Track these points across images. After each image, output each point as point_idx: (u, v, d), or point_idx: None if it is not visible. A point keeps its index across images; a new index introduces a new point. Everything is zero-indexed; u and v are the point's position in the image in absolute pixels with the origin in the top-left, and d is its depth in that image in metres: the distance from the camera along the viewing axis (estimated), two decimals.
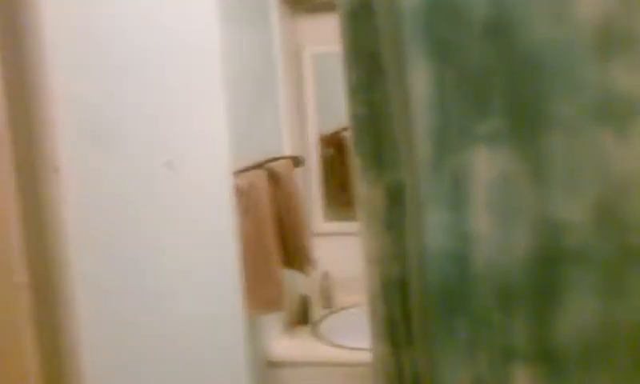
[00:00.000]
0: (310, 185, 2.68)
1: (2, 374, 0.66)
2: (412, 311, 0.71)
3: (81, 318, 0.68)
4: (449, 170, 0.67)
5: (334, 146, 2.77)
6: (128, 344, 0.80)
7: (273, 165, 2.27)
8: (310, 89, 2.64)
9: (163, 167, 0.88)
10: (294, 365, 2.29)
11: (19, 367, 0.65)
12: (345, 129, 2.81)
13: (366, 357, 2.22)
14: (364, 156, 0.73)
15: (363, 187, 0.73)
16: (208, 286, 1.06)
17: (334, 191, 2.76)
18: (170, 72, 0.94)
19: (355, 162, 0.74)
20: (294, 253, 2.38)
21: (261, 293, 2.07)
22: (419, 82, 0.68)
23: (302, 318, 2.52)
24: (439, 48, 0.67)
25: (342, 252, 2.66)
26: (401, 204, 0.71)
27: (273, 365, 2.27)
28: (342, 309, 2.60)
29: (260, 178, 2.18)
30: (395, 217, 0.71)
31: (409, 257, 0.70)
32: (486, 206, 0.67)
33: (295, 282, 2.54)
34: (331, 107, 2.80)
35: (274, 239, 2.23)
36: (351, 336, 2.35)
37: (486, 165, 0.66)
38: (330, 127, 2.75)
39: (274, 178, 2.27)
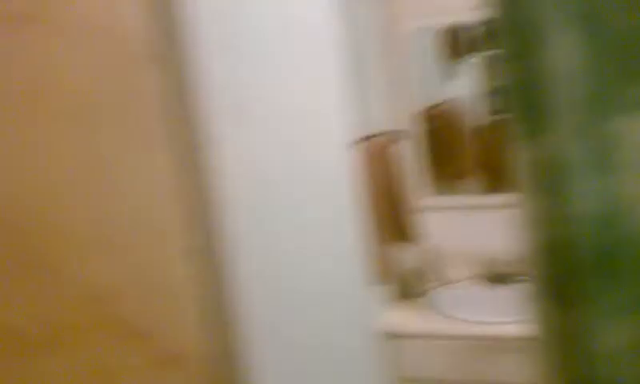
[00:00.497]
0: (415, 159, 2.67)
1: (179, 321, 0.72)
2: (570, 273, 0.71)
3: (234, 272, 0.74)
4: (599, 136, 0.67)
5: (436, 119, 2.74)
6: (272, 304, 0.85)
7: (376, 140, 2.29)
8: (411, 62, 2.62)
9: (291, 143, 0.91)
10: (405, 336, 2.31)
11: (191, 315, 0.71)
12: (445, 101, 2.78)
13: (477, 329, 2.21)
14: (519, 123, 0.73)
15: (519, 154, 0.74)
16: (335, 260, 1.10)
17: (440, 165, 2.74)
18: (293, 53, 0.97)
19: (510, 131, 0.75)
20: (401, 227, 2.38)
21: (372, 267, 2.10)
22: (567, 49, 0.68)
23: (412, 291, 2.52)
24: (588, 12, 0.67)
25: (446, 225, 2.64)
26: (557, 169, 0.71)
27: (384, 336, 2.28)
28: (452, 282, 2.58)
29: (364, 153, 2.20)
30: (552, 182, 0.71)
31: (567, 220, 0.70)
32: (638, 169, 0.66)
33: (405, 256, 2.55)
34: (432, 80, 2.77)
35: (382, 214, 2.25)
36: (462, 308, 2.34)
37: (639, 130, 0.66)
38: (431, 101, 2.72)
39: (378, 154, 2.28)
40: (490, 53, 2.77)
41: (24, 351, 0.76)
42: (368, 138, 2.30)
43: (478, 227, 2.62)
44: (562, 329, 0.74)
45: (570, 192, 0.68)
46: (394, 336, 2.29)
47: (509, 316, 2.29)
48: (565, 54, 0.68)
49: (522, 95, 0.71)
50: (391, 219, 2.35)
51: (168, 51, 0.70)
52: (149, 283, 0.72)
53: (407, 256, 2.56)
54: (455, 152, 2.73)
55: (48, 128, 0.71)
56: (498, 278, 2.51)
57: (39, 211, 0.73)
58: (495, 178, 2.82)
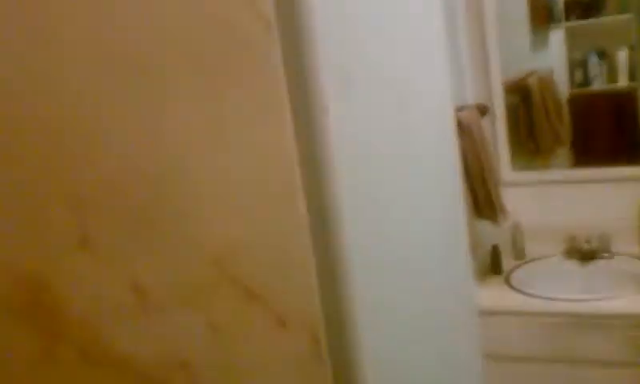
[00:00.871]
0: (496, 134, 2.62)
1: (292, 284, 0.74)
2: None
3: (345, 240, 0.75)
4: None
5: (519, 93, 2.68)
6: (385, 271, 0.87)
7: (460, 114, 2.25)
8: (493, 33, 2.56)
9: (396, 110, 0.92)
10: (486, 313, 2.28)
11: (305, 281, 0.74)
12: (530, 74, 2.72)
13: (558, 306, 2.17)
14: None
15: None
16: (439, 231, 1.11)
17: (521, 139, 2.68)
18: (399, 19, 0.98)
19: None
20: (484, 203, 2.36)
21: None
22: None
23: (493, 268, 2.49)
24: None
25: (531, 201, 2.60)
26: None
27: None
28: (533, 259, 2.55)
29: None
30: None
31: None
32: None
33: (486, 233, 2.52)
34: (514, 52, 2.71)
35: (465, 189, 2.23)
36: (543, 286, 2.30)
37: None
38: (514, 73, 2.66)
39: (462, 127, 2.25)
40: (577, 22, 2.68)
41: (147, 310, 0.80)
42: (456, 110, 2.27)
43: (562, 203, 2.57)
44: None
45: None
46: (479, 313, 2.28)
47: (594, 293, 2.25)
48: None
49: None
50: (475, 195, 2.32)
51: (284, 17, 0.72)
52: (264, 246, 0.74)
53: (489, 233, 2.53)
54: (539, 126, 2.67)
55: (170, 86, 0.74)
56: (582, 255, 2.46)
57: (161, 172, 0.76)
58: (581, 153, 2.75)
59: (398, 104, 0.93)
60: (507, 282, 2.41)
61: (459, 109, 2.31)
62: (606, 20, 2.65)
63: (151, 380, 0.83)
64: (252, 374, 0.80)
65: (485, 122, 2.45)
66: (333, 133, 0.74)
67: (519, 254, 2.56)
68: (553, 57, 2.79)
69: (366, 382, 0.79)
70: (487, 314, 2.27)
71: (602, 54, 2.72)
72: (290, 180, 0.70)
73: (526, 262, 2.53)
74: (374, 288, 0.83)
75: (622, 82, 2.67)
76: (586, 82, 2.75)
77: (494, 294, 2.35)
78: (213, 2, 0.70)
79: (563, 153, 2.75)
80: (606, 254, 2.43)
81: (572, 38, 2.74)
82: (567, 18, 2.70)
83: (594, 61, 2.73)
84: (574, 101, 2.76)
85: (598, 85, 2.71)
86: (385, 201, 0.89)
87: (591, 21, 2.68)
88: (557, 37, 2.74)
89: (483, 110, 2.45)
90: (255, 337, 0.78)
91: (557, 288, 2.28)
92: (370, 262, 0.82)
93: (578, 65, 2.76)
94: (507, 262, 2.52)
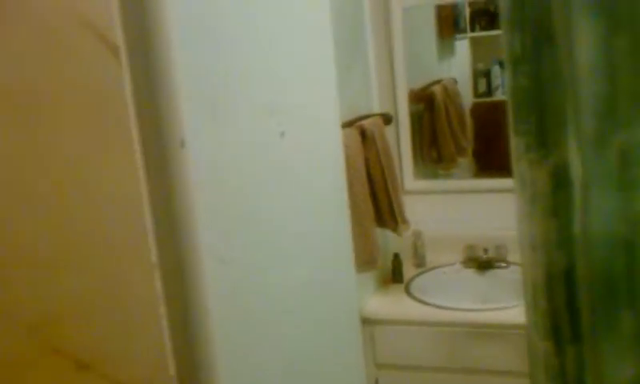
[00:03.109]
0: (400, 142, 2.62)
1: (138, 347, 0.66)
2: (578, 303, 0.65)
3: (207, 289, 0.68)
4: (617, 147, 0.60)
5: (423, 101, 2.69)
6: (252, 311, 0.80)
7: (364, 122, 2.23)
8: (400, 43, 2.55)
9: (277, 136, 0.86)
10: (386, 322, 2.28)
11: (154, 341, 0.66)
12: (434, 83, 2.73)
13: (456, 316, 2.19)
14: (527, 134, 0.66)
15: (524, 168, 0.67)
16: (322, 249, 1.06)
17: (424, 148, 2.70)
18: (280, 35, 0.91)
19: (515, 142, 0.68)
20: (385, 211, 2.34)
21: (356, 252, 2.06)
22: (585, 48, 0.61)
23: (394, 276, 2.49)
24: (609, 9, 0.60)
25: (432, 210, 2.61)
26: (567, 186, 0.65)
27: (366, 322, 2.26)
28: (434, 267, 2.56)
29: (351, 136, 2.14)
30: (561, 201, 0.65)
31: (575, 244, 0.64)
32: None
33: (388, 241, 2.52)
34: (420, 62, 2.72)
35: (367, 198, 2.21)
36: (443, 295, 2.32)
37: None
38: (419, 82, 2.67)
39: (365, 136, 2.23)
40: (482, 32, 2.72)
41: None
42: (360, 118, 2.25)
43: (462, 212, 2.60)
44: (564, 368, 0.69)
45: (585, 211, 0.62)
46: (369, 321, 2.27)
47: (491, 302, 2.28)
48: (582, 53, 0.60)
49: (532, 99, 0.65)
50: (377, 203, 2.30)
51: (133, 40, 0.63)
52: (102, 306, 0.65)
53: (391, 241, 2.52)
54: (442, 135, 2.69)
55: None
56: (479, 264, 2.49)
57: None
58: (482, 162, 2.79)
59: (279, 134, 0.87)
60: (407, 290, 2.42)
61: (364, 117, 2.29)
62: None
63: None
64: None
65: (389, 131, 2.44)
66: (191, 168, 0.67)
67: (420, 262, 2.58)
68: (458, 66, 2.82)
69: None
70: (387, 322, 2.26)
71: (505, 65, 2.76)
72: (138, 225, 0.63)
73: (426, 271, 2.55)
74: (240, 340, 0.76)
75: None
76: (489, 91, 2.79)
77: (394, 303, 2.35)
78: (53, 31, 0.61)
79: (465, 162, 2.78)
80: (503, 264, 2.48)
81: (476, 48, 2.78)
82: (472, 29, 2.73)
83: (496, 71, 2.77)
84: (476, 110, 2.80)
85: (500, 94, 2.76)
86: (256, 239, 0.84)
87: (495, 32, 2.72)
88: (462, 46, 2.77)
89: (387, 119, 2.44)
90: None
91: (455, 297, 2.30)
92: (234, 311, 0.76)
93: (481, 75, 2.80)
94: (408, 270, 2.53)
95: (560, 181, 0.64)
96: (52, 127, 0.63)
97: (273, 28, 0.88)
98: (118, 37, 0.61)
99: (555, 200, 0.65)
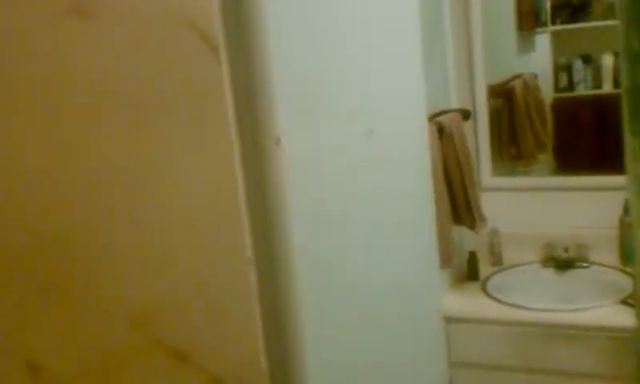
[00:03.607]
0: (478, 139, 2.58)
1: (232, 341, 0.68)
2: None
3: (297, 286, 0.68)
4: None
5: (502, 97, 2.64)
6: (339, 309, 0.80)
7: (442, 118, 2.21)
8: (479, 37, 2.50)
9: (365, 135, 0.86)
10: (462, 321, 2.25)
11: (248, 336, 0.67)
12: (514, 78, 2.67)
13: (534, 316, 2.15)
14: None
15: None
16: (407, 248, 1.05)
17: (503, 145, 2.64)
18: (369, 32, 0.91)
19: (631, 142, 0.66)
20: (463, 209, 2.31)
21: None
22: None
23: (470, 274, 2.46)
24: None
25: (510, 207, 2.56)
26: None
27: (445, 320, 2.23)
28: (511, 266, 2.51)
29: (429, 132, 2.12)
30: None
31: None
32: None
33: (464, 238, 2.48)
34: (499, 56, 2.66)
35: (444, 195, 2.18)
36: (520, 294, 2.27)
37: None
38: (498, 77, 2.62)
39: (443, 132, 2.20)
40: (563, 26, 2.64)
41: None
42: (438, 114, 2.22)
43: (541, 210, 2.53)
44: None
45: None
46: (451, 320, 2.24)
47: (570, 302, 2.22)
48: None
49: None
50: (455, 201, 2.27)
51: (232, 41, 0.65)
52: (200, 300, 0.67)
53: (467, 238, 2.49)
54: (521, 131, 2.63)
55: (91, 126, 0.65)
56: (559, 263, 2.42)
57: (73, 223, 0.65)
58: (562, 159, 2.72)
59: (367, 132, 0.87)
60: (483, 289, 2.38)
61: (442, 113, 2.26)
62: (591, 25, 2.60)
63: None
64: None
65: (467, 127, 2.40)
66: (286, 165, 0.68)
67: (497, 260, 2.53)
68: (538, 61, 2.75)
69: None
70: (463, 321, 2.23)
71: (587, 59, 2.68)
72: (234, 222, 0.64)
73: (503, 269, 2.50)
74: (328, 337, 0.76)
75: (607, 87, 2.64)
76: (570, 86, 2.71)
77: (470, 301, 2.31)
78: (150, 22, 0.63)
79: (544, 159, 2.71)
80: (584, 264, 2.40)
81: (558, 42, 2.70)
82: (553, 22, 2.65)
83: (578, 65, 2.69)
84: (557, 105, 2.73)
85: (582, 89, 2.68)
86: (345, 238, 0.84)
87: (577, 25, 2.64)
88: (542, 40, 2.70)
89: (466, 115, 2.40)
90: None
91: (533, 296, 2.25)
92: (322, 308, 0.76)
93: (562, 69, 2.72)
94: (484, 269, 2.48)
95: None
96: (154, 126, 0.65)
97: (362, 25, 0.88)
98: (219, 37, 0.62)
99: None
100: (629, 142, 0.63)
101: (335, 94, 0.82)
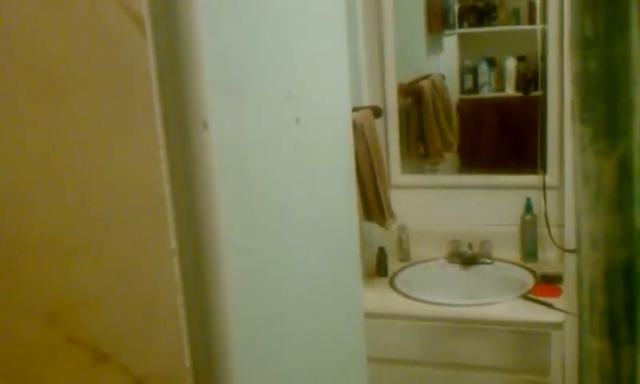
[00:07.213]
0: (388, 136, 2.61)
1: (155, 337, 0.63)
2: (637, 302, 0.64)
3: (224, 279, 0.65)
4: None
5: (411, 96, 2.68)
6: (267, 303, 0.77)
7: (353, 115, 2.21)
8: (390, 35, 2.53)
9: (293, 122, 0.83)
10: (370, 316, 2.26)
11: (171, 332, 0.63)
12: (423, 78, 2.72)
13: (440, 310, 2.19)
14: (594, 122, 0.64)
15: (589, 160, 0.65)
16: (331, 240, 1.03)
17: (411, 143, 2.69)
18: (297, 19, 0.88)
19: (580, 130, 0.66)
20: (373, 205, 2.33)
21: None
22: None
23: (379, 269, 2.48)
24: None
25: (418, 204, 2.61)
26: (631, 179, 0.63)
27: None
28: (418, 262, 2.56)
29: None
30: (625, 194, 0.63)
31: (636, 239, 0.63)
32: None
33: (373, 234, 2.51)
34: (408, 56, 2.70)
35: (355, 190, 2.19)
36: (427, 289, 2.32)
37: None
38: (407, 77, 2.66)
39: (355, 128, 2.21)
40: (470, 29, 2.72)
41: None
42: (352, 110, 2.22)
43: (448, 207, 2.60)
44: (619, 368, 0.68)
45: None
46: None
47: (475, 298, 2.29)
48: None
49: (601, 85, 0.62)
50: (365, 197, 2.29)
51: (158, 13, 0.60)
52: (120, 295, 0.62)
53: (376, 234, 2.51)
54: (429, 130, 2.68)
55: (7, 108, 0.59)
56: (464, 259, 2.50)
57: None
58: (467, 158, 2.79)
59: (296, 118, 0.84)
60: (392, 284, 2.41)
61: (354, 109, 2.27)
62: (496, 29, 2.70)
63: None
64: None
65: (377, 125, 2.42)
66: (214, 150, 0.64)
67: (405, 256, 2.57)
68: (446, 62, 2.82)
69: None
70: (370, 316, 2.25)
71: (492, 62, 2.77)
72: (158, 211, 0.60)
73: (410, 265, 2.54)
74: (258, 337, 0.73)
75: (509, 90, 2.74)
76: (476, 88, 2.79)
77: (378, 296, 2.34)
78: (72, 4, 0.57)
79: (451, 158, 2.78)
80: (487, 260, 2.48)
81: (464, 44, 2.78)
82: (461, 25, 2.73)
83: (483, 68, 2.78)
84: (462, 106, 2.80)
85: (486, 92, 2.77)
86: (272, 228, 0.81)
87: (483, 29, 2.72)
88: (450, 43, 2.76)
89: (377, 112, 2.42)
90: None
91: (439, 292, 2.30)
92: (249, 302, 0.73)
93: (468, 71, 2.80)
94: (393, 264, 2.52)
95: (625, 173, 0.62)
96: (72, 103, 0.59)
97: (290, 12, 0.86)
98: (143, 7, 0.57)
99: (620, 194, 0.63)
100: (577, 130, 0.63)
101: (264, 77, 0.78)
